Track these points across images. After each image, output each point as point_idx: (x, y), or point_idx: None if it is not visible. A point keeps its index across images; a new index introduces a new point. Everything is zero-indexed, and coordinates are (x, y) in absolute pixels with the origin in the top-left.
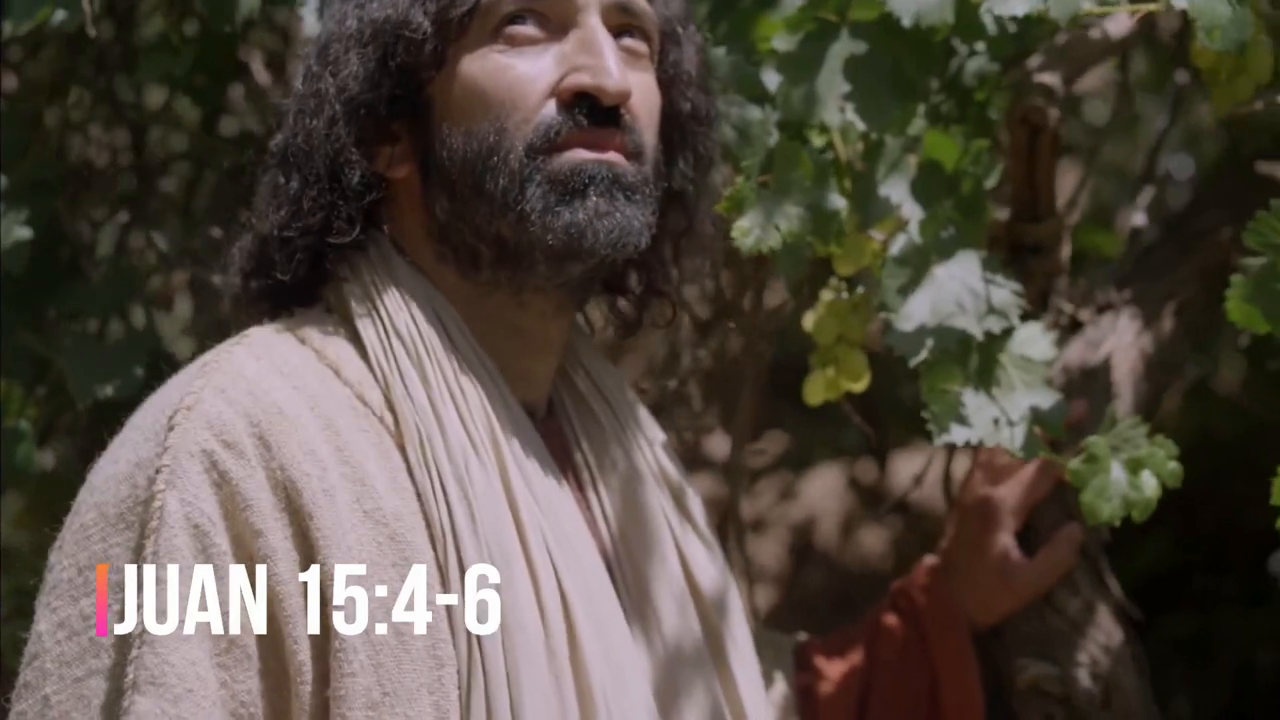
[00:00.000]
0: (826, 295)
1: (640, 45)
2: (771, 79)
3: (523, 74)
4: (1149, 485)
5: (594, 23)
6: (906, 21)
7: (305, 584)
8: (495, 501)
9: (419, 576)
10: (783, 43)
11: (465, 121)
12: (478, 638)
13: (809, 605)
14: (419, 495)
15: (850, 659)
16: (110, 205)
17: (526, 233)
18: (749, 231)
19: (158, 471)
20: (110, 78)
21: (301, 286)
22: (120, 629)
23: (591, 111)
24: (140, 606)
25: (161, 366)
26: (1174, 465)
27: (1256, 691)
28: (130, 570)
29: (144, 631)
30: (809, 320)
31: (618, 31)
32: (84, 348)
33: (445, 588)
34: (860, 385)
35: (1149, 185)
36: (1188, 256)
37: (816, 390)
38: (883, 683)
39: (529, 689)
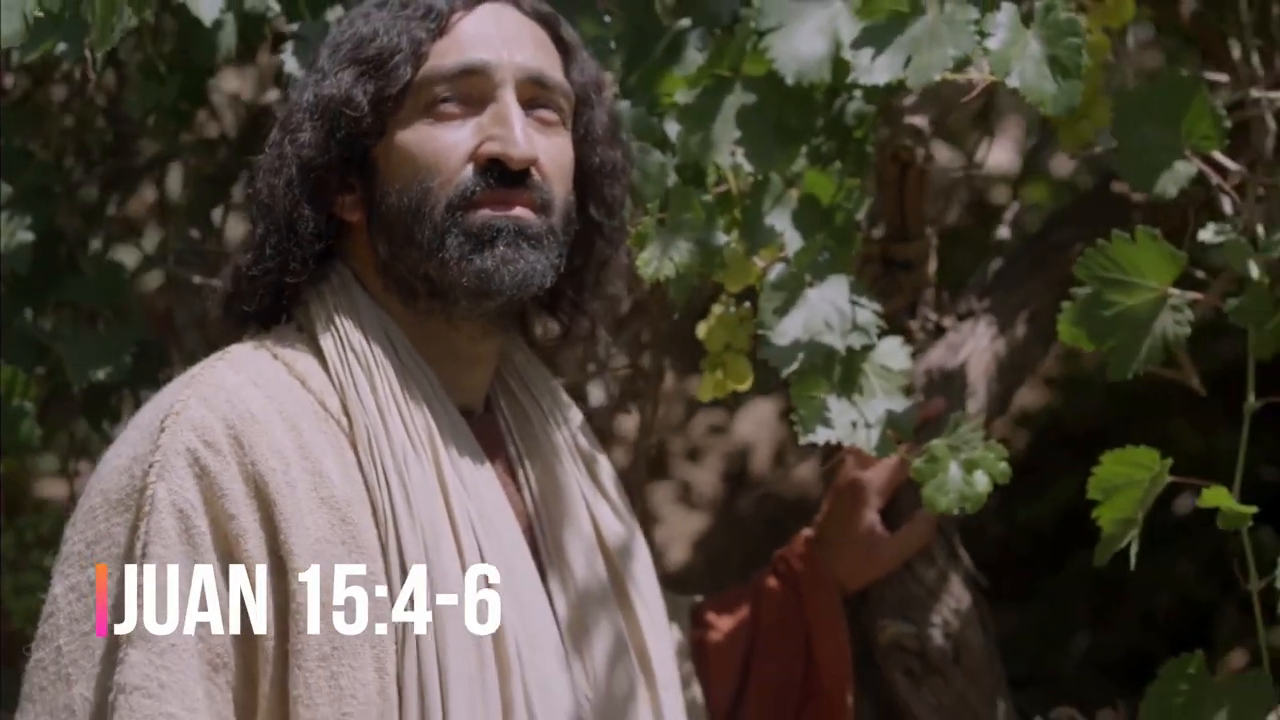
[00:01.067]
0: (716, 309)
1: (551, 115)
2: (672, 128)
3: (445, 144)
4: (981, 482)
5: (508, 99)
6: (790, 79)
7: (270, 556)
8: (429, 490)
9: (367, 554)
10: (683, 96)
11: (399, 181)
12: (410, 600)
13: (742, 529)
14: (367, 485)
15: (738, 616)
16: (100, 209)
17: (448, 275)
18: (649, 262)
19: (150, 466)
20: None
21: (277, 309)
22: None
23: (501, 175)
24: (137, 575)
25: (147, 353)
26: (1004, 466)
27: (1159, 631)
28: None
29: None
30: (701, 330)
31: (532, 104)
32: (79, 336)
33: (386, 564)
34: (744, 386)
35: (1015, 203)
36: (1042, 269)
37: (706, 389)
38: (765, 637)
39: (452, 645)
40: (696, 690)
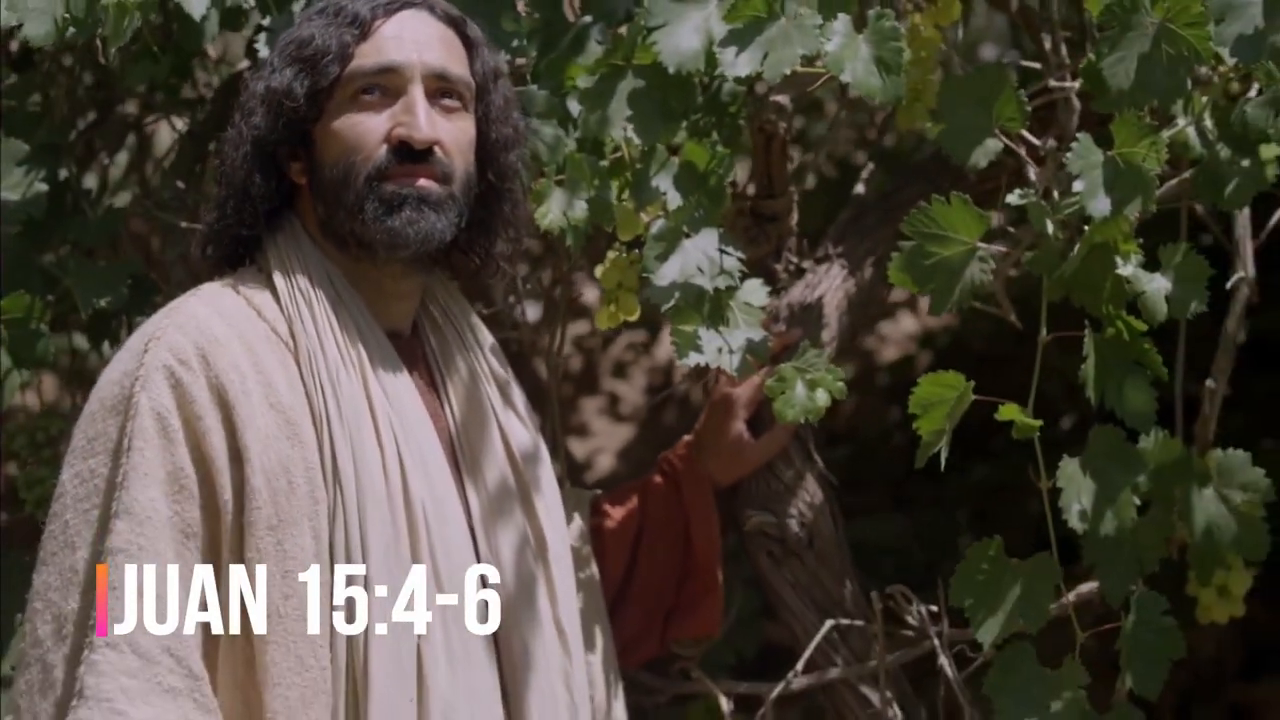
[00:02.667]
0: (611, 255)
1: (454, 103)
2: (574, 107)
3: (365, 128)
4: (821, 398)
5: (416, 92)
6: (671, 68)
7: (229, 449)
8: (356, 397)
9: (306, 448)
10: (585, 81)
11: (330, 156)
12: (339, 484)
13: (665, 440)
14: (307, 394)
15: (629, 506)
16: (96, 160)
17: (367, 231)
18: (546, 215)
19: (136, 379)
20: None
21: (242, 253)
22: (111, 481)
23: (409, 153)
24: (122, 465)
25: (140, 285)
26: (840, 385)
27: (1032, 533)
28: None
29: (124, 479)
30: (599, 271)
31: (438, 94)
32: (84, 270)
33: (321, 455)
34: (633, 317)
35: (870, 164)
36: (887, 222)
37: (602, 320)
38: (651, 524)
39: (371, 517)
40: (594, 569)
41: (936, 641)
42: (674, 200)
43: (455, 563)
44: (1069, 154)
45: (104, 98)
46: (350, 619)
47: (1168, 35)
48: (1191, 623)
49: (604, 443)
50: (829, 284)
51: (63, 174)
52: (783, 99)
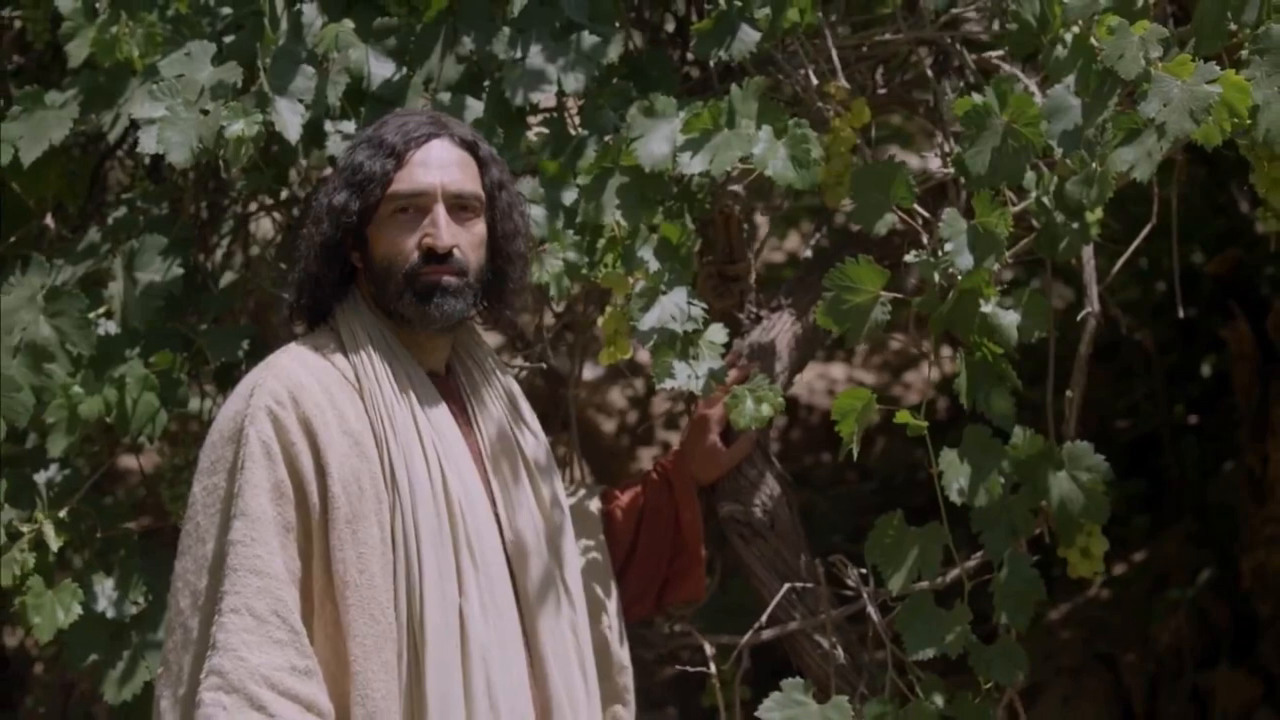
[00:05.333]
0: (609, 309)
1: (468, 213)
2: (568, 196)
3: (402, 238)
4: (765, 410)
5: (439, 210)
6: (647, 169)
7: (315, 465)
8: (407, 424)
9: (371, 462)
10: (583, 180)
11: (378, 255)
12: (396, 488)
13: None
14: (370, 422)
15: (632, 495)
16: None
17: (406, 311)
18: (534, 274)
19: (245, 417)
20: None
21: (320, 317)
22: (230, 492)
23: (434, 256)
24: (238, 479)
25: (255, 342)
26: (780, 400)
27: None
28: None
29: (239, 490)
30: (601, 321)
31: (456, 208)
32: (212, 333)
33: (381, 467)
34: (627, 356)
35: (817, 232)
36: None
37: (604, 357)
38: (649, 511)
39: (421, 512)
40: (600, 554)
41: (866, 596)
42: (653, 266)
43: (484, 543)
44: (941, 223)
45: (218, 200)
46: (410, 587)
47: (1012, 132)
48: (1155, 619)
49: None
50: (781, 327)
51: (191, 259)
52: (737, 188)
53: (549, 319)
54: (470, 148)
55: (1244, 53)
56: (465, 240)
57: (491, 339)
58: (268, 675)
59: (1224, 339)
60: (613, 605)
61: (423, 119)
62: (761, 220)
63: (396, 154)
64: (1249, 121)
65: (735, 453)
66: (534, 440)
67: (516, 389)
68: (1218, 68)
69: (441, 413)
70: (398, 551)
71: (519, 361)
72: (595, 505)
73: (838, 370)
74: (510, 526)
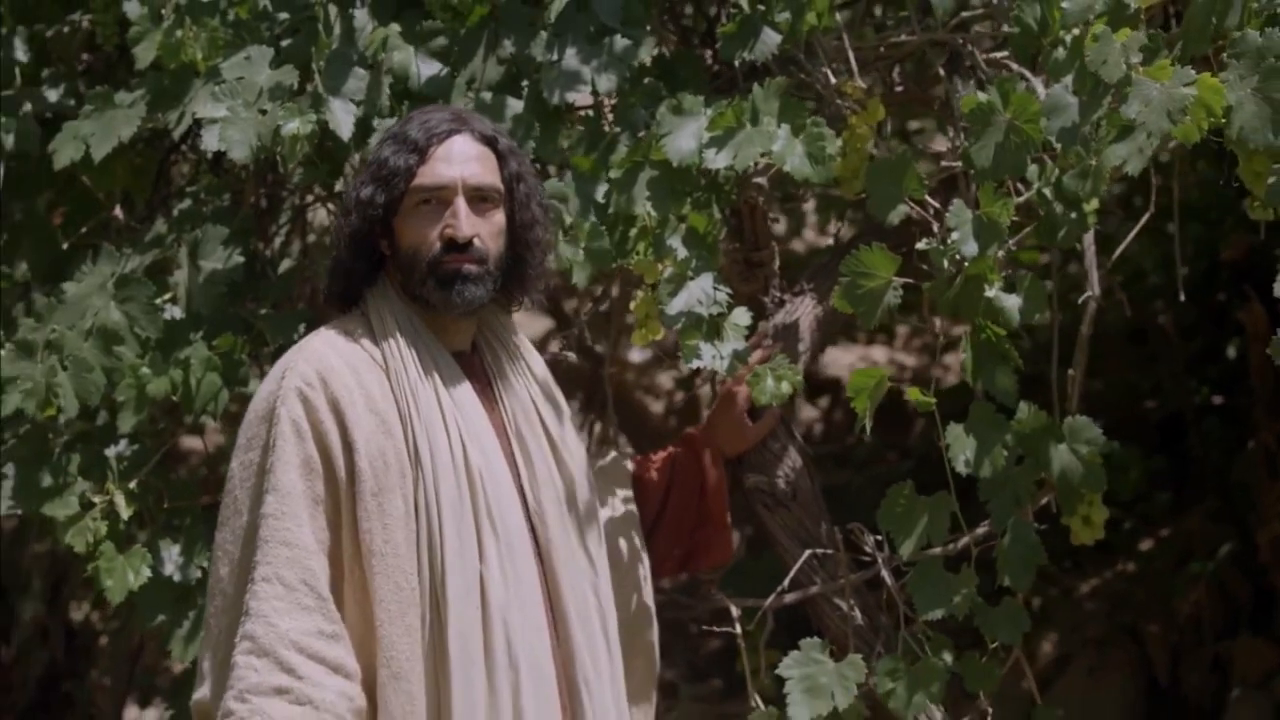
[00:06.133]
0: (639, 294)
1: (488, 204)
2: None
3: (425, 229)
4: (785, 387)
5: (459, 202)
6: (675, 163)
7: (343, 442)
8: (430, 402)
9: (395, 439)
10: (615, 173)
11: (404, 245)
12: (419, 463)
13: None
14: (395, 401)
15: (663, 461)
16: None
17: (430, 297)
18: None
19: (277, 398)
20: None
21: (351, 300)
22: (263, 467)
23: (455, 246)
24: (270, 456)
25: (310, 325)
26: (799, 379)
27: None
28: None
29: (271, 466)
30: (634, 305)
31: (476, 199)
32: (270, 317)
33: (406, 443)
34: (659, 337)
35: (840, 221)
36: None
37: (637, 339)
38: (678, 477)
39: (443, 484)
40: (634, 508)
41: (881, 562)
42: (681, 253)
43: (506, 513)
44: (948, 214)
45: (276, 192)
46: (432, 555)
47: (1014, 129)
48: (1178, 592)
49: None
50: (803, 310)
51: (251, 248)
52: (761, 180)
53: (588, 305)
54: (490, 142)
55: (1225, 56)
56: (485, 230)
57: (541, 324)
58: (296, 640)
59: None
60: (644, 559)
61: (445, 115)
62: (808, 207)
63: (420, 150)
64: (1224, 120)
65: (760, 428)
66: (556, 414)
67: (541, 366)
68: (1194, 71)
69: (464, 390)
70: (420, 522)
71: (553, 347)
72: (629, 465)
73: (879, 353)
74: (533, 496)
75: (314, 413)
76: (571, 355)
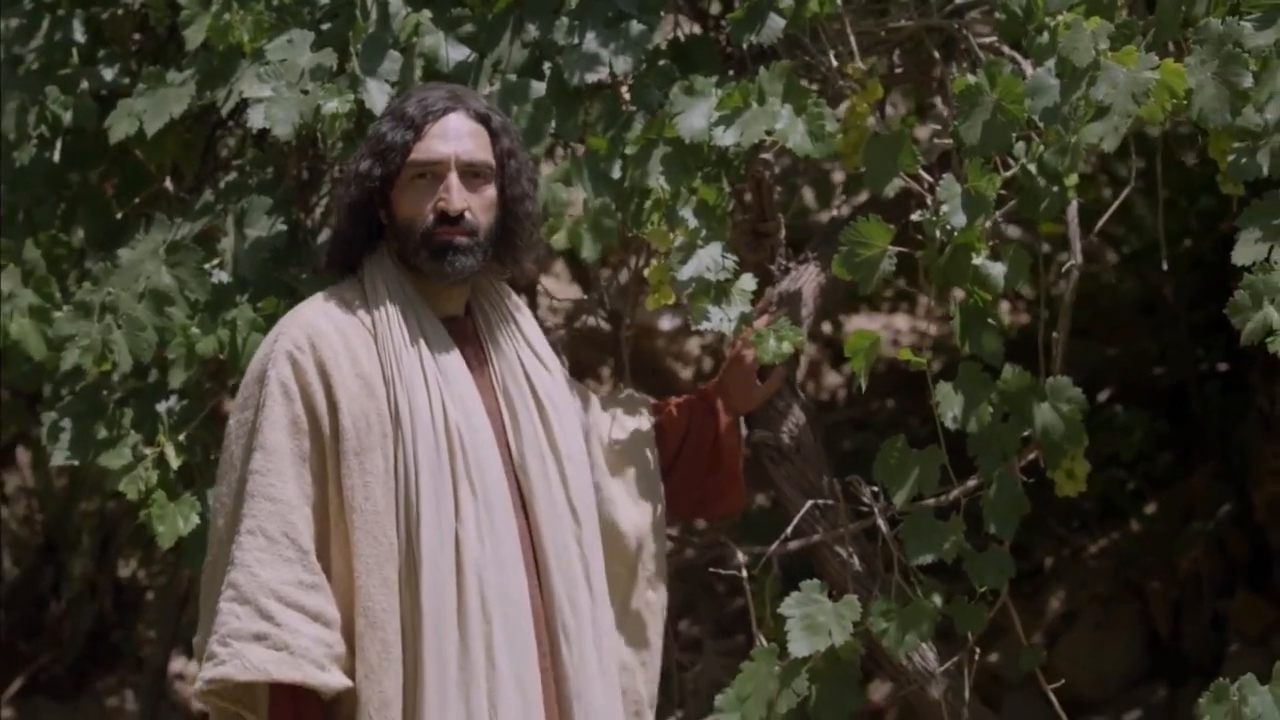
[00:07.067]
0: (654, 262)
1: (480, 181)
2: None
3: (419, 202)
4: (785, 346)
5: (452, 177)
6: (687, 140)
7: (328, 403)
8: (413, 366)
9: (379, 400)
10: (631, 150)
11: (400, 216)
12: (399, 423)
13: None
14: (381, 364)
15: (681, 404)
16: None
17: (424, 266)
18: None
19: (269, 361)
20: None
21: (351, 267)
22: (254, 426)
23: (447, 218)
24: (260, 415)
25: None
26: (801, 339)
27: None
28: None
29: (259, 425)
30: (648, 272)
31: (468, 174)
32: (311, 282)
33: (388, 404)
34: (670, 301)
35: (843, 195)
36: None
37: (651, 302)
38: (694, 422)
39: (421, 444)
40: (654, 459)
41: (876, 511)
42: (692, 224)
43: (485, 470)
44: (938, 187)
45: (316, 165)
46: (409, 513)
47: (1000, 108)
48: (1179, 551)
49: None
50: (807, 278)
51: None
52: (768, 156)
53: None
54: (483, 119)
55: (1189, 41)
56: (476, 203)
57: (571, 292)
58: (276, 589)
59: None
60: (658, 514)
61: (442, 94)
62: (838, 179)
63: (415, 126)
64: (1185, 102)
65: (767, 388)
66: (544, 372)
67: (532, 327)
68: (1157, 57)
69: (451, 355)
70: (399, 480)
71: (547, 319)
72: (647, 410)
73: (901, 321)
74: (517, 451)
75: (302, 375)
76: (603, 323)
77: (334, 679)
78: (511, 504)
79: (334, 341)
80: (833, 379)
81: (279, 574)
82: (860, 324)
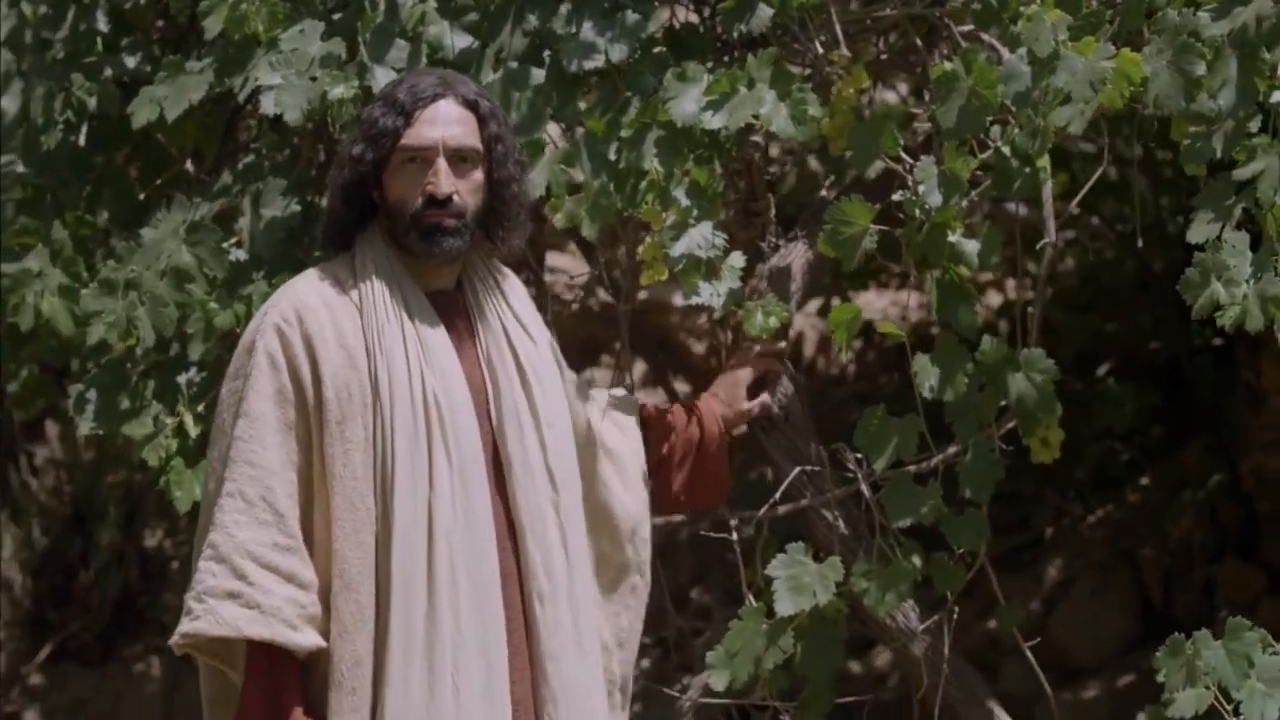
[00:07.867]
0: (647, 239)
1: (468, 165)
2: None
3: (409, 185)
4: (771, 320)
5: (440, 162)
6: (679, 124)
7: (313, 375)
8: (395, 339)
9: (360, 372)
10: (626, 133)
11: (390, 198)
12: (378, 393)
13: None
14: (364, 337)
15: (669, 413)
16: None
17: (413, 246)
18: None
19: (258, 333)
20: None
21: (345, 244)
22: (241, 394)
23: (435, 201)
24: (247, 385)
25: None
26: (786, 314)
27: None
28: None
29: (245, 394)
30: (641, 249)
31: (456, 159)
32: (321, 258)
33: (369, 375)
34: (664, 278)
35: (833, 175)
36: None
37: (645, 278)
38: (679, 429)
39: (398, 413)
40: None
41: (860, 477)
42: (684, 202)
43: (463, 440)
44: (915, 168)
45: (330, 148)
46: (384, 480)
47: (975, 93)
48: (1171, 520)
49: None
50: (796, 255)
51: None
52: (758, 139)
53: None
54: (471, 105)
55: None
56: (464, 187)
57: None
58: (251, 550)
59: None
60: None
61: (432, 80)
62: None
63: (406, 112)
64: (1142, 89)
65: (750, 409)
66: (529, 342)
67: (522, 301)
68: (1113, 47)
69: (435, 327)
70: (376, 448)
71: (563, 294)
72: (636, 410)
73: (913, 298)
74: (496, 418)
75: (289, 347)
76: (610, 299)
77: (305, 638)
78: (489, 472)
79: (320, 315)
80: (842, 354)
81: (255, 535)
82: (869, 300)
